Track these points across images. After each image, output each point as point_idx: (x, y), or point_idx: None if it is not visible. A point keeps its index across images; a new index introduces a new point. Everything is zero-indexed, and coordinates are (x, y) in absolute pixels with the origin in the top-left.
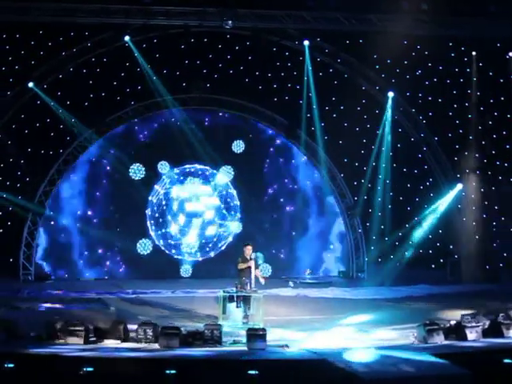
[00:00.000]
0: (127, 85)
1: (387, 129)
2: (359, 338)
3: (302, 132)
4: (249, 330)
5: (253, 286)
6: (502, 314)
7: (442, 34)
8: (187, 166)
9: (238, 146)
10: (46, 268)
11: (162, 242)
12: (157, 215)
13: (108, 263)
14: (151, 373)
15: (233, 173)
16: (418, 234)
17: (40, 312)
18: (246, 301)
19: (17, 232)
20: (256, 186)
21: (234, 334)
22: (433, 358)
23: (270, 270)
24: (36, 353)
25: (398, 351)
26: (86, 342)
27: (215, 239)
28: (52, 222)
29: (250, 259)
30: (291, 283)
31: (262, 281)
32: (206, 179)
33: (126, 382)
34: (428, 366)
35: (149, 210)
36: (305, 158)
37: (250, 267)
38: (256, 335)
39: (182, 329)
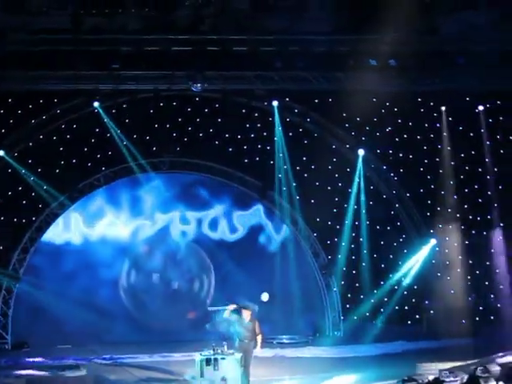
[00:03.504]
0: (98, 151)
1: (359, 187)
2: None
3: (274, 193)
4: None
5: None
6: (480, 368)
7: (411, 90)
8: None
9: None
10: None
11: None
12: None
13: (81, 329)
14: None
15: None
16: (393, 290)
17: (17, 380)
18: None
19: None
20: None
21: None
22: None
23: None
24: None
25: None
26: None
27: None
28: (26, 290)
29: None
30: None
31: (259, 349)
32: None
33: None
34: None
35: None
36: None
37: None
38: None
39: None
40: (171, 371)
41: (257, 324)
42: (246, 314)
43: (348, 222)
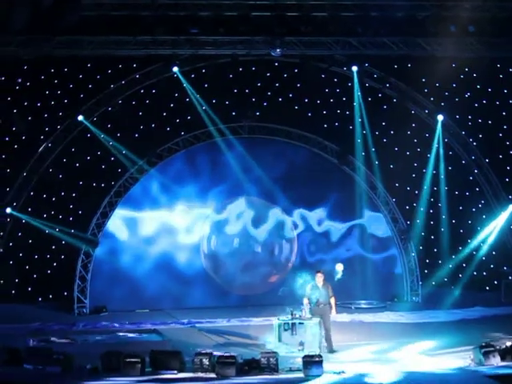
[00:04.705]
0: (177, 115)
1: (438, 152)
2: (416, 362)
3: (353, 158)
4: (305, 356)
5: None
6: None
7: (490, 56)
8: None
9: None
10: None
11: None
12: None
13: (159, 293)
14: None
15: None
16: (472, 256)
17: (95, 344)
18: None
19: (70, 265)
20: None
21: (290, 361)
22: (489, 381)
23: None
24: None
25: (455, 374)
26: (143, 373)
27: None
28: (104, 255)
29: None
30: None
31: (334, 312)
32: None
33: None
34: None
35: (205, 246)
36: None
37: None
38: (312, 362)
39: (238, 357)
40: (249, 335)
41: (330, 287)
42: (319, 279)
43: (426, 187)
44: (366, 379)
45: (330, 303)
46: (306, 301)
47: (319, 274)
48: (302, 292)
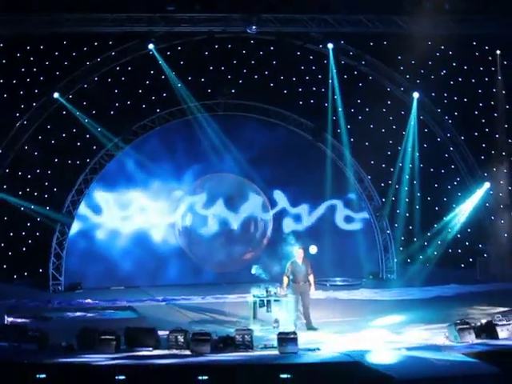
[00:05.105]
0: (152, 93)
1: (413, 129)
2: (391, 339)
3: (328, 135)
4: (280, 333)
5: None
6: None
7: (466, 34)
8: None
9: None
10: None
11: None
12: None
13: (134, 271)
14: (183, 379)
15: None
16: (447, 233)
17: (71, 322)
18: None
19: (46, 243)
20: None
21: (265, 338)
22: (464, 358)
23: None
24: (67, 362)
25: (430, 351)
26: (118, 350)
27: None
28: (79, 232)
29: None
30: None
31: (313, 290)
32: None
33: None
34: (459, 366)
35: (180, 223)
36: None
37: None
38: (287, 339)
39: (213, 334)
40: (224, 312)
41: (309, 265)
42: (299, 255)
43: (402, 164)
44: (341, 356)
45: (309, 281)
46: (285, 279)
47: (300, 251)
48: (282, 269)
